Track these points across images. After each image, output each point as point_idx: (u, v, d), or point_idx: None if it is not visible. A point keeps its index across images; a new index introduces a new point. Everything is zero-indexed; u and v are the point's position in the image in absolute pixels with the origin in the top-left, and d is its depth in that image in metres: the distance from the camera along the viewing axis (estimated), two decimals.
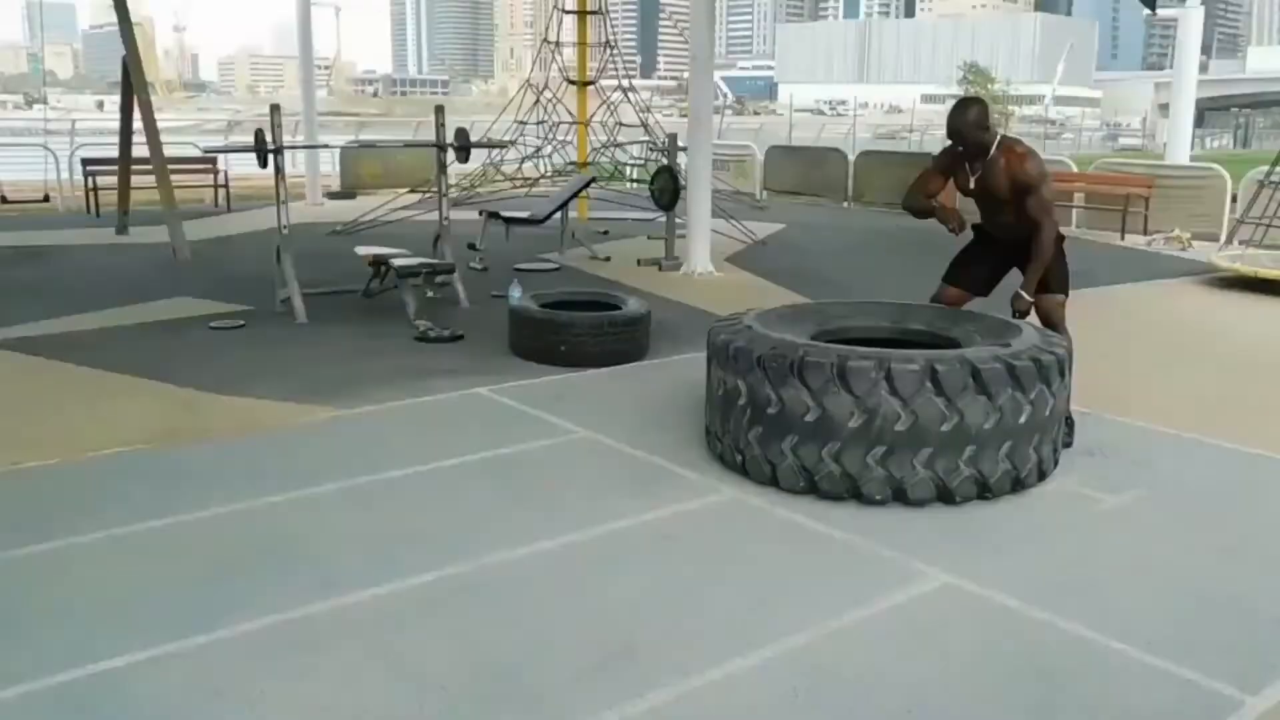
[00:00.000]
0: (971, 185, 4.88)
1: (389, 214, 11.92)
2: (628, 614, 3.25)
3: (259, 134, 7.23)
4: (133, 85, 10.33)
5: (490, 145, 10.28)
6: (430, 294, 7.49)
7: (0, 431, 4.94)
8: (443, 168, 8.24)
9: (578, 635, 3.12)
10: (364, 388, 5.76)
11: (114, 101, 12.16)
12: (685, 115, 14.16)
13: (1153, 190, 12.72)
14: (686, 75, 10.81)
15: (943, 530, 3.90)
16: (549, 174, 13.83)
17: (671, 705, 2.76)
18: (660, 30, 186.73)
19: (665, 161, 10.60)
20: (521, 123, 13.72)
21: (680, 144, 10.38)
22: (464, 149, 8.19)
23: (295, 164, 13.37)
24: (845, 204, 16.19)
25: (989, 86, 28.80)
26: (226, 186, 14.66)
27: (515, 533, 3.83)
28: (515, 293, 6.94)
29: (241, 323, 7.32)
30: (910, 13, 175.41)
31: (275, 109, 7.25)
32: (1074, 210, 13.36)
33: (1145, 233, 12.46)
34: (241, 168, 14.74)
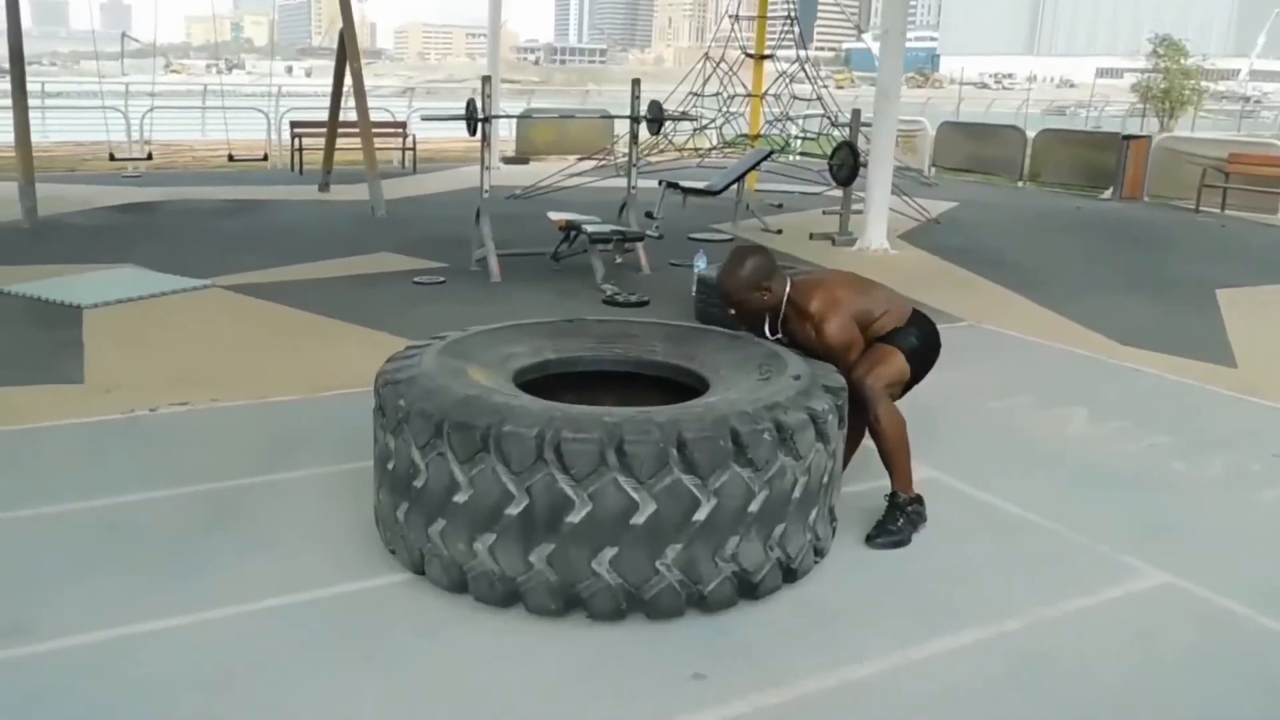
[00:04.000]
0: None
1: (564, 180, 12.35)
2: (829, 581, 3.35)
3: (471, 103, 7.68)
4: (347, 55, 11.03)
5: (681, 119, 10.53)
6: (618, 259, 7.82)
7: (247, 367, 5.52)
8: (635, 139, 8.54)
9: (779, 597, 3.21)
10: None
11: (302, 67, 13.11)
12: (841, 86, 14.05)
13: None
14: (845, 46, 10.75)
15: (1155, 528, 3.82)
16: (719, 145, 14.01)
17: (882, 675, 2.84)
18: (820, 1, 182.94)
19: (844, 136, 10.63)
20: (696, 94, 13.92)
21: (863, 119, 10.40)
22: (656, 121, 8.47)
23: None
24: (1019, 184, 15.77)
25: (1181, 60, 26.91)
26: (414, 149, 15.45)
27: None
28: (700, 262, 7.18)
29: (443, 279, 7.82)
30: None
31: (486, 80, 7.70)
32: None
33: None
34: (424, 131, 15.61)
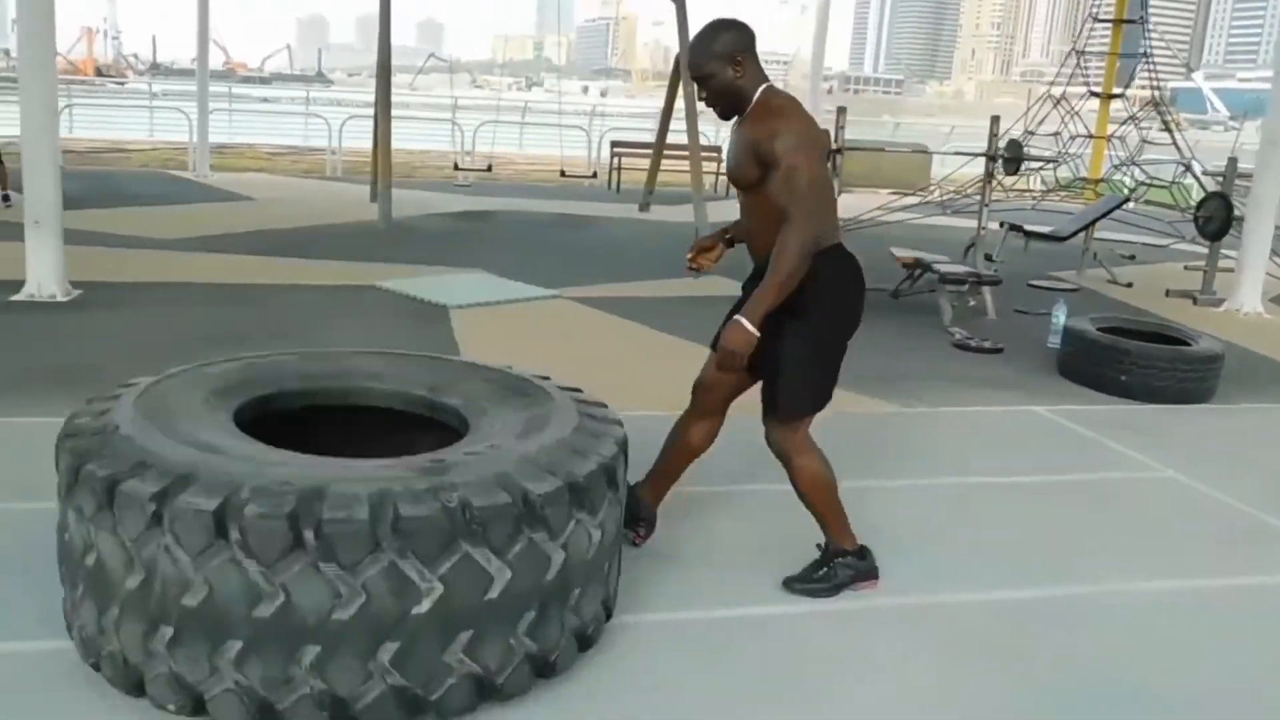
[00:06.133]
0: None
1: (884, 214, 12.03)
2: (1251, 677, 3.04)
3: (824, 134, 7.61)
4: (680, 80, 11.32)
5: (1039, 159, 10.00)
6: (971, 303, 7.46)
7: (608, 378, 5.52)
8: (989, 177, 8.15)
9: (1197, 678, 3.00)
10: (910, 385, 5.85)
11: (597, 87, 13.69)
12: (1164, 129, 12.82)
13: None
14: (1170, 85, 9.78)
15: None
16: (1053, 188, 13.19)
17: None
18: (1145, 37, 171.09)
19: (1205, 184, 9.68)
20: (1030, 133, 13.20)
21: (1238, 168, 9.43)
22: (1015, 160, 8.05)
23: None
24: None
25: None
26: None
27: (1115, 563, 3.72)
28: (1061, 313, 6.72)
29: None
30: None
31: (841, 111, 7.59)
32: None
33: None
34: None
